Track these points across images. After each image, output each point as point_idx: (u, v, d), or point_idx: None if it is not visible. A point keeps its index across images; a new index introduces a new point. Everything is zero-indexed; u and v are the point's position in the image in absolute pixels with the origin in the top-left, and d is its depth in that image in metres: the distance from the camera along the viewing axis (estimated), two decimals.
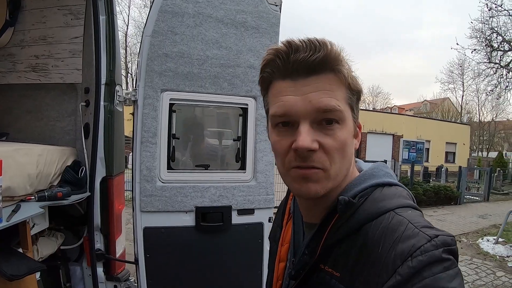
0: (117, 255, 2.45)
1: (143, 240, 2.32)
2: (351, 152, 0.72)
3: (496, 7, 12.66)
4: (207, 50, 2.43)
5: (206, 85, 2.46)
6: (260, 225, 2.68)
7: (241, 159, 2.71)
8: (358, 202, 0.70)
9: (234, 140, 2.77)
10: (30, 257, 1.86)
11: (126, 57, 29.46)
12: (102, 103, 2.25)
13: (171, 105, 2.43)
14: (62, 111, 2.65)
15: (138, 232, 2.31)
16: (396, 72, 75.42)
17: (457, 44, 14.86)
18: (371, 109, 33.85)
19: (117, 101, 2.34)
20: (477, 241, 8.02)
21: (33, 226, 2.00)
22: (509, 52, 13.43)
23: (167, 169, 2.43)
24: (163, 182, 2.40)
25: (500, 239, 7.79)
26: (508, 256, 7.02)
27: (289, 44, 0.67)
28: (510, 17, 12.98)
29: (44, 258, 2.19)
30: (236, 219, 2.58)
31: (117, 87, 2.34)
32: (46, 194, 1.98)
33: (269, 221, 2.70)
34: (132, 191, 2.36)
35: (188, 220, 2.44)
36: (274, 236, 0.97)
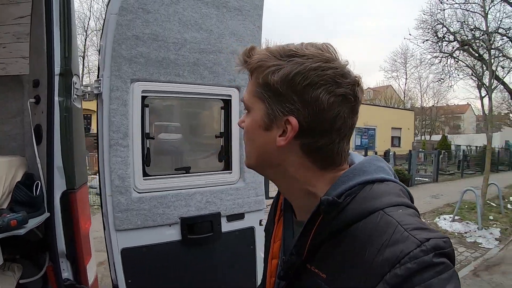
0: (90, 283, 2.01)
1: (122, 264, 1.92)
2: (259, 143, 0.76)
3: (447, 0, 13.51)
4: (185, 33, 2.04)
5: (185, 73, 2.08)
6: (251, 230, 2.40)
7: (225, 158, 2.39)
8: (345, 202, 0.68)
9: (216, 136, 2.42)
10: None
11: (85, 41, 26.84)
12: (56, 98, 1.77)
13: (143, 98, 2.03)
14: (5, 112, 2.11)
15: (115, 256, 1.90)
16: None
17: (410, 34, 15.70)
18: None
19: (75, 96, 1.87)
20: (434, 220, 8.53)
21: None
22: (454, 42, 14.38)
23: (143, 176, 2.03)
24: (139, 193, 2.00)
25: (456, 217, 8.23)
26: (466, 232, 7.50)
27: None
28: (461, 10, 13.90)
29: None
30: (225, 226, 2.27)
31: (75, 78, 1.87)
32: None
33: (260, 224, 2.43)
34: (102, 206, 1.93)
35: (173, 234, 2.08)
36: (268, 230, 0.96)
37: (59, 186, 1.83)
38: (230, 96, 2.30)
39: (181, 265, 2.09)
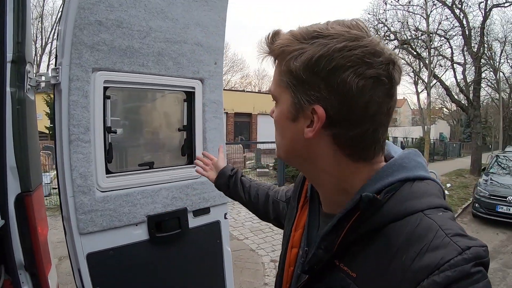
0: None
1: (89, 270, 1.75)
2: (288, 135, 0.72)
3: (391, 1, 14.39)
4: (151, 20, 1.92)
5: (149, 64, 1.96)
6: (217, 224, 2.38)
7: (188, 152, 2.32)
8: (384, 199, 0.63)
9: (179, 130, 2.33)
10: None
11: (42, 25, 24.20)
12: (8, 89, 1.55)
13: (105, 89, 1.87)
14: None
15: (80, 262, 1.73)
16: None
17: None
18: (257, 91, 34.93)
19: (29, 86, 1.66)
20: None
21: None
22: (394, 41, 15.35)
23: (106, 174, 1.88)
24: (103, 191, 1.85)
25: None
26: None
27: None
28: (402, 11, 14.88)
29: None
30: (192, 221, 2.22)
31: (28, 67, 1.65)
32: None
33: (225, 217, 2.42)
34: (61, 209, 1.76)
35: (140, 233, 1.97)
36: (289, 217, 0.92)
37: (13, 188, 1.60)
38: (193, 88, 2.24)
39: (150, 265, 2.00)
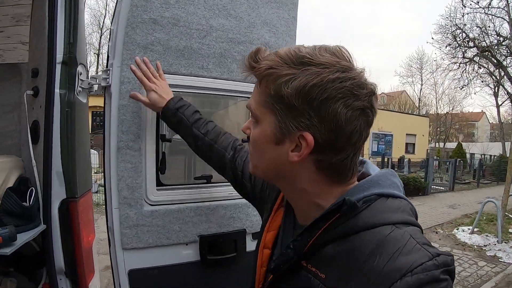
0: None
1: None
2: (269, 156, 0.74)
3: (471, 4, 13.22)
4: (211, 19, 1.74)
5: (209, 66, 1.77)
6: None
7: None
8: (361, 207, 0.69)
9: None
10: None
11: (100, 39, 26.81)
12: (57, 91, 1.47)
13: None
14: (0, 105, 1.84)
15: (121, 278, 1.60)
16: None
17: (432, 38, 15.52)
18: None
19: (80, 88, 1.57)
20: (452, 232, 8.29)
21: None
22: (473, 48, 14.05)
23: (157, 186, 1.73)
24: (152, 205, 1.69)
25: (475, 229, 7.97)
26: (485, 246, 7.28)
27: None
28: (481, 14, 13.58)
29: None
30: (251, 245, 1.94)
31: (80, 68, 1.57)
32: None
33: None
34: (107, 219, 1.64)
35: (190, 254, 1.77)
36: (264, 218, 0.96)
37: (58, 194, 1.53)
38: None
39: None
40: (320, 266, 0.69)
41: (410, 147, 27.15)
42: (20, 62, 1.74)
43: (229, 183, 1.93)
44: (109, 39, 1.62)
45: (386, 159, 16.60)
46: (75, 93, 1.56)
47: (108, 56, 1.63)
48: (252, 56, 0.72)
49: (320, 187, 0.73)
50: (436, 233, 8.10)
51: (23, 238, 1.36)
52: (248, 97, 1.96)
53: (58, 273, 1.55)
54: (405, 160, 19.20)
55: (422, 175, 14.53)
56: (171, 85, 1.69)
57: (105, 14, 27.07)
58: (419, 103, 40.23)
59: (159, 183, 1.74)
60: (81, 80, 1.59)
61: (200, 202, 1.81)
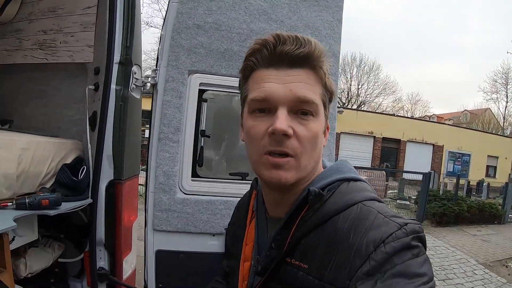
0: (125, 277, 1.93)
1: (155, 266, 1.79)
2: (320, 146, 0.75)
3: None
4: (252, 23, 1.86)
5: None
6: None
7: None
8: (327, 195, 0.73)
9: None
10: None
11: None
12: (113, 86, 1.72)
13: (201, 91, 1.89)
14: (70, 97, 2.14)
15: (149, 255, 1.79)
16: (436, 79, 70.29)
17: None
18: (409, 116, 31.83)
19: (133, 85, 1.81)
20: None
21: (13, 239, 1.51)
22: None
23: (192, 177, 1.88)
24: (185, 194, 1.85)
25: None
26: None
27: (278, 36, 0.69)
28: None
29: (34, 273, 1.71)
30: None
31: (135, 68, 1.81)
32: (27, 201, 1.45)
33: None
34: (145, 202, 1.83)
35: (215, 245, 1.89)
36: (238, 235, 0.93)
37: (107, 174, 1.77)
38: None
39: None
40: (302, 258, 0.70)
41: (491, 170, 24.42)
42: (86, 62, 2.03)
43: None
44: (159, 43, 1.82)
45: (462, 181, 15.21)
46: (129, 90, 1.79)
47: (157, 58, 1.84)
48: (301, 38, 0.70)
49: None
50: (506, 267, 7.25)
51: (68, 206, 1.59)
52: None
53: (98, 244, 1.77)
54: (484, 184, 17.42)
55: (500, 202, 13.07)
56: (211, 85, 1.84)
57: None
58: (503, 122, 36.05)
59: (194, 174, 1.90)
60: (135, 78, 1.82)
61: (231, 197, 1.91)
